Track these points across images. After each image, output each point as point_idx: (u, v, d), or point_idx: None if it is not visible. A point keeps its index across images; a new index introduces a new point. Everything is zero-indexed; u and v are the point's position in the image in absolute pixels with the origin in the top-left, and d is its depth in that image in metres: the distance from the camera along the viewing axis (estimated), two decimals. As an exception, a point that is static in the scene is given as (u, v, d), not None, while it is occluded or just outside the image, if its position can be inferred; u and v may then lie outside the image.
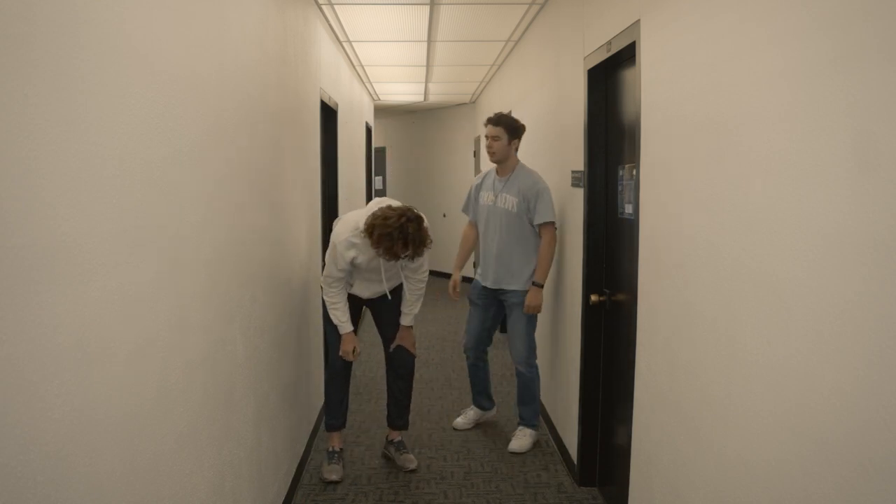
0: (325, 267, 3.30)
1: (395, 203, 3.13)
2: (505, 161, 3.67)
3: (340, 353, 3.36)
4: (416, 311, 3.48)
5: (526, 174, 3.65)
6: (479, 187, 3.89)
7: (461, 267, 4.05)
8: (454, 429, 4.04)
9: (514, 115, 3.87)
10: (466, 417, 4.10)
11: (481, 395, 4.07)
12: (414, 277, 3.36)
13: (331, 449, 3.47)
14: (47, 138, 1.14)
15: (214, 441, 2.02)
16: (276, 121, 2.99)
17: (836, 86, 1.28)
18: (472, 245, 4.05)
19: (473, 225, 3.98)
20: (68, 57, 1.21)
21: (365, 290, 3.40)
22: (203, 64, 1.95)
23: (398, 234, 2.89)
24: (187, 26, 1.82)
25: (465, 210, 4.03)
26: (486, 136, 3.68)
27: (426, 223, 3.02)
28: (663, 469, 2.20)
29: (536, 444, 3.79)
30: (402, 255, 2.97)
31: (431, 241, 3.03)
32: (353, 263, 3.17)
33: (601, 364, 3.17)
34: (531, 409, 3.79)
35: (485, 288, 3.78)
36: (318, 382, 4.15)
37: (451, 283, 4.03)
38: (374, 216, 2.98)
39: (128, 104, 1.44)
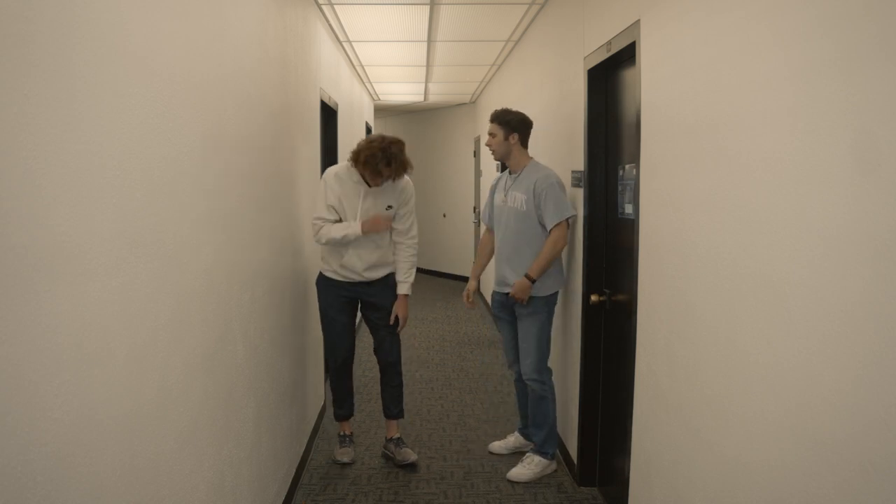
0: (315, 209, 3.40)
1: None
2: (507, 158, 3.44)
3: (376, 227, 3.33)
4: (412, 279, 3.56)
5: (536, 170, 3.38)
6: (493, 189, 3.65)
7: (478, 276, 3.83)
8: (490, 452, 3.71)
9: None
10: (506, 443, 3.74)
11: (527, 417, 3.64)
12: (405, 242, 3.49)
13: (342, 433, 3.64)
14: (47, 138, 1.14)
15: (214, 441, 2.02)
16: (277, 121, 2.99)
17: (836, 86, 1.28)
18: (489, 252, 3.75)
19: (491, 231, 3.69)
20: (68, 57, 1.21)
21: (357, 261, 3.40)
22: (203, 64, 1.95)
23: (381, 154, 3.17)
24: (187, 26, 1.82)
25: (484, 216, 3.76)
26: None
27: (405, 151, 3.28)
28: (663, 469, 2.20)
29: (545, 477, 3.41)
30: (386, 177, 3.23)
31: (412, 167, 3.33)
32: (339, 202, 3.31)
33: (601, 364, 3.17)
34: (543, 433, 3.42)
35: (503, 296, 3.50)
36: (318, 382, 4.16)
37: (466, 290, 3.81)
38: (359, 144, 3.28)
39: (128, 104, 1.44)
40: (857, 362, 1.22)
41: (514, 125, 3.40)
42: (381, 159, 3.18)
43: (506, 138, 3.41)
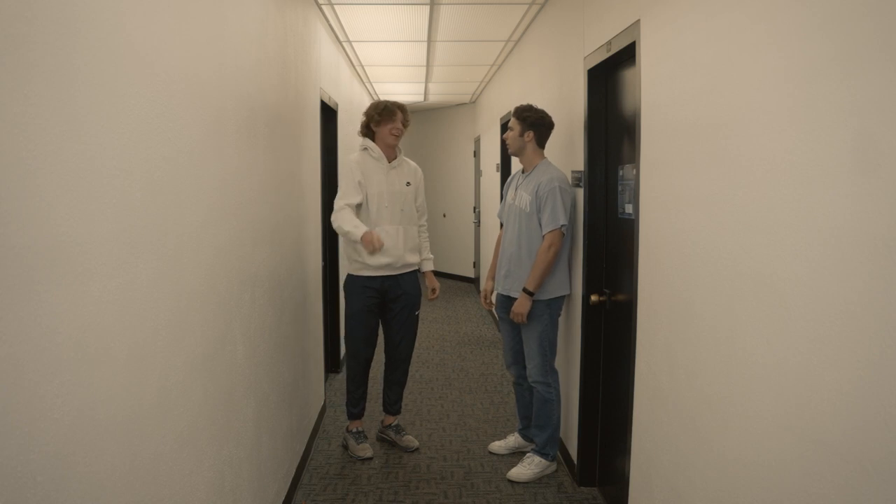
0: (339, 193, 3.56)
1: None
2: (521, 154, 3.46)
3: (369, 246, 3.34)
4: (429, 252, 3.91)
5: (544, 171, 3.35)
6: (507, 186, 3.66)
7: (493, 276, 3.74)
8: (490, 452, 3.71)
9: None
10: (506, 443, 3.74)
11: (526, 419, 3.67)
12: (423, 224, 3.82)
13: (356, 430, 3.75)
14: (47, 138, 1.14)
15: (214, 441, 2.02)
16: (276, 121, 2.99)
17: (836, 86, 1.28)
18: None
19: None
20: (68, 57, 1.21)
21: (401, 244, 3.57)
22: (203, 64, 1.95)
23: (389, 103, 3.59)
24: (187, 26, 1.82)
25: (499, 213, 3.73)
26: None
27: None
28: (663, 469, 2.20)
29: (545, 477, 3.41)
30: (401, 120, 3.59)
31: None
32: (364, 182, 3.51)
33: (601, 364, 3.17)
34: (545, 434, 3.41)
35: (504, 298, 3.50)
36: (318, 382, 4.16)
37: (483, 291, 3.82)
38: (365, 113, 3.62)
39: (128, 104, 1.44)
40: (857, 362, 1.22)
41: (530, 122, 3.41)
42: (392, 104, 3.58)
43: (521, 134, 3.42)
